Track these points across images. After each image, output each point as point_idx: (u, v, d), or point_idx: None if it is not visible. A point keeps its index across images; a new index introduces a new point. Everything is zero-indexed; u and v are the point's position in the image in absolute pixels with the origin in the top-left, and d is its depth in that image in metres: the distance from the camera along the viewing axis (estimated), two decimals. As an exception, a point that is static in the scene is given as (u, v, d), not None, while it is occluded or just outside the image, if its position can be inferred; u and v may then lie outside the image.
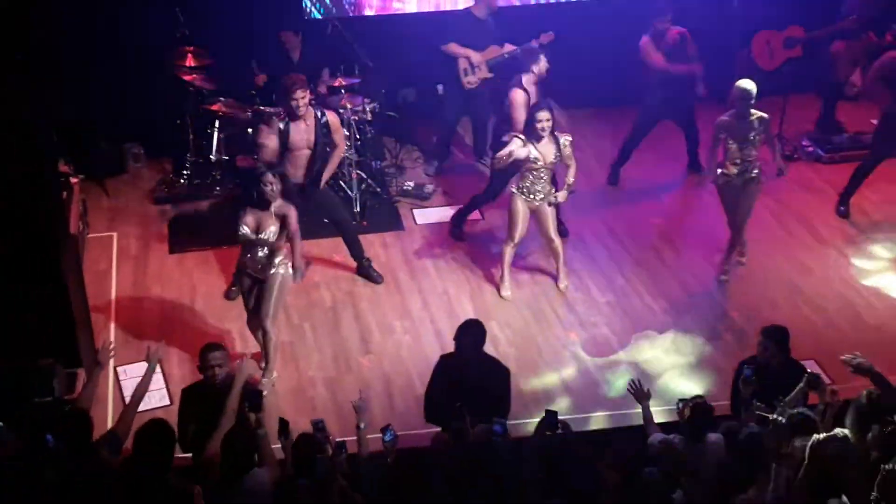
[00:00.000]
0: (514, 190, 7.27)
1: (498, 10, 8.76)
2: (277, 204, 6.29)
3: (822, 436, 4.61)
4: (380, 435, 5.07)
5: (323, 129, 7.12)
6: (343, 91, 8.40)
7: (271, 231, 6.29)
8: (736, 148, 7.20)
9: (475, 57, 8.57)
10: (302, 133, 7.04)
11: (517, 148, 7.03)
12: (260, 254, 6.38)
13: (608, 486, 4.80)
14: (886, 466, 4.40)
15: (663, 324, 7.27)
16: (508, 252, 7.48)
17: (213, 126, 8.52)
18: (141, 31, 8.52)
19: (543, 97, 7.46)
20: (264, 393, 5.27)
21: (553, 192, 7.29)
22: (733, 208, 7.46)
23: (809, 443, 4.64)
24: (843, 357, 5.34)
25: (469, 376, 5.64)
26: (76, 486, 4.60)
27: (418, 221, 8.49)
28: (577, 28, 9.15)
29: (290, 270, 6.45)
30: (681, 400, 5.30)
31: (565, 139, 7.18)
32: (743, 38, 9.59)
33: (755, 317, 7.11)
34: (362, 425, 5.24)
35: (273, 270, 6.39)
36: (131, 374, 6.60)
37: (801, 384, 5.36)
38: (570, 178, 7.26)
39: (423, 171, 9.10)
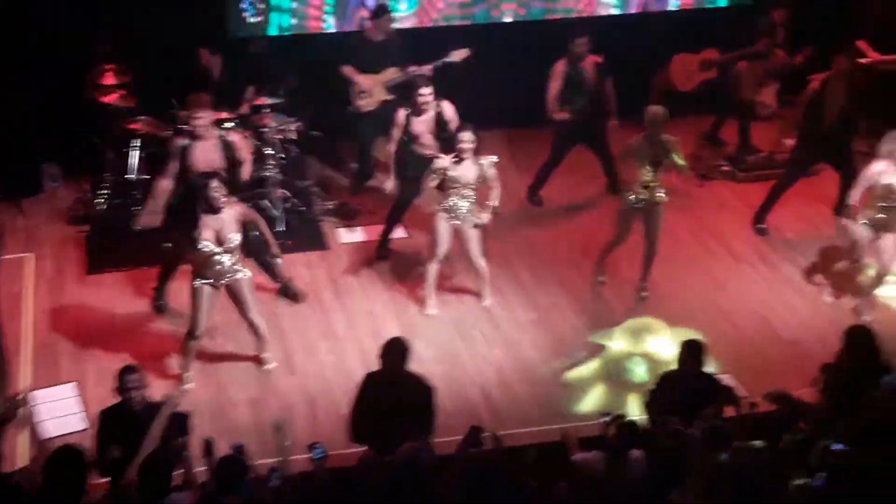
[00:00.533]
0: (437, 208, 7.31)
1: (396, 31, 8.79)
2: (227, 207, 6.28)
3: (738, 446, 4.72)
4: (306, 455, 5.03)
5: (227, 150, 7.06)
6: (267, 110, 8.36)
7: (232, 236, 6.25)
8: (645, 171, 7.32)
9: (364, 82, 8.58)
10: (206, 153, 6.97)
11: (438, 165, 7.17)
12: (225, 263, 6.33)
13: (533, 501, 4.83)
14: (795, 482, 4.54)
15: (586, 340, 7.37)
16: (432, 270, 7.51)
17: (133, 145, 8.39)
18: (60, 48, 8.37)
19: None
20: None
21: (478, 213, 7.35)
22: (625, 232, 7.61)
23: (726, 454, 4.75)
24: (767, 393, 5.52)
25: (394, 394, 5.63)
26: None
27: (342, 240, 8.47)
28: (501, 47, 9.25)
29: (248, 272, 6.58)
30: (603, 414, 5.36)
31: (489, 161, 7.25)
32: (660, 61, 9.80)
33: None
34: (286, 444, 5.19)
35: (240, 274, 6.47)
36: (43, 399, 6.47)
37: (717, 397, 5.49)
38: (494, 200, 7.31)
39: (346, 191, 9.09)
